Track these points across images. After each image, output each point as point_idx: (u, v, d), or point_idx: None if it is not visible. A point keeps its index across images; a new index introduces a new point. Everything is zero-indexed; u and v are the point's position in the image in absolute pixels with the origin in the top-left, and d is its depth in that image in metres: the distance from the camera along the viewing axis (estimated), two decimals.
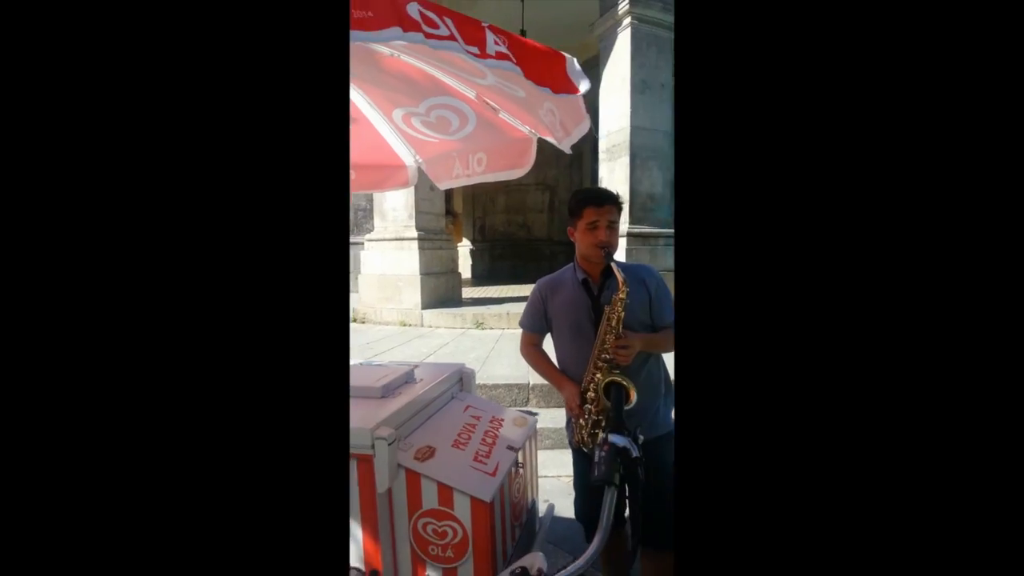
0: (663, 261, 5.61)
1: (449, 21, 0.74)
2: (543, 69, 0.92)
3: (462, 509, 1.23)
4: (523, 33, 7.31)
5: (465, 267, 10.56)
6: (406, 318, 5.77)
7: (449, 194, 7.81)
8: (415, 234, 5.85)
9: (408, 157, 2.13)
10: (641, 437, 1.02)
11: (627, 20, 5.24)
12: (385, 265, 6.11)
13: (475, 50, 0.78)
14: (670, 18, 5.35)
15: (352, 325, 5.65)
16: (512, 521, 1.47)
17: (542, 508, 1.80)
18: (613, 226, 1.42)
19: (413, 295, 5.80)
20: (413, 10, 0.71)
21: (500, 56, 0.81)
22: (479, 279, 10.13)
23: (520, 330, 1.68)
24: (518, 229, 10.70)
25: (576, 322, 1.48)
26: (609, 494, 0.91)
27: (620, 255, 5.40)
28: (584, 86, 1.06)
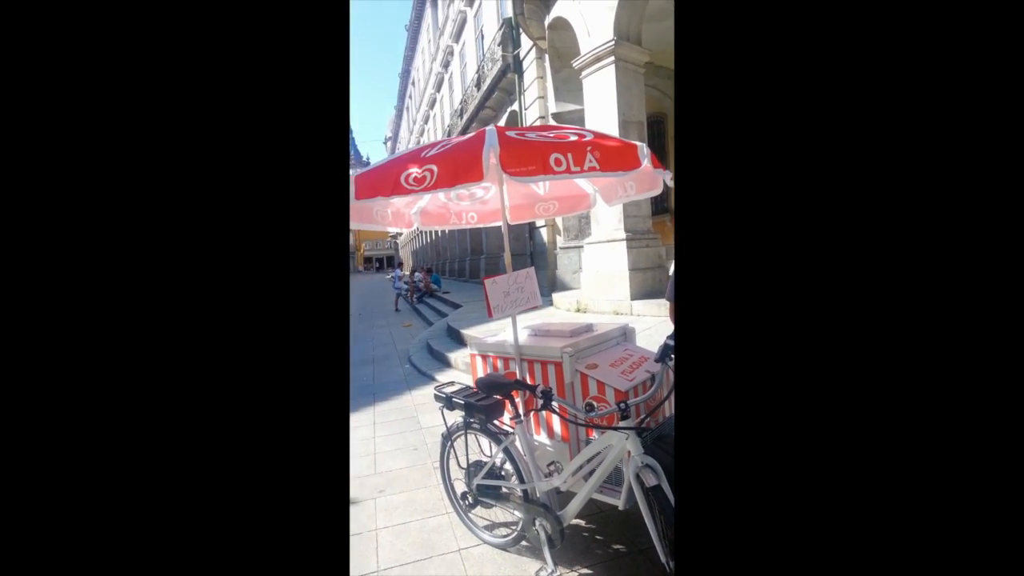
0: None
1: (570, 155, 1.75)
2: (618, 160, 1.88)
3: (610, 395, 2.21)
4: None
5: None
6: (618, 308, 6.62)
7: (666, 194, 8.34)
8: (623, 235, 6.66)
9: (589, 188, 3.19)
10: None
11: None
12: (600, 263, 7.06)
13: (577, 169, 1.73)
14: None
15: (575, 314, 6.84)
16: (644, 411, 2.36)
17: None
18: None
19: (623, 288, 6.60)
20: (551, 159, 1.72)
21: (591, 169, 1.77)
22: None
23: None
24: None
25: None
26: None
27: None
28: (645, 162, 1.96)
